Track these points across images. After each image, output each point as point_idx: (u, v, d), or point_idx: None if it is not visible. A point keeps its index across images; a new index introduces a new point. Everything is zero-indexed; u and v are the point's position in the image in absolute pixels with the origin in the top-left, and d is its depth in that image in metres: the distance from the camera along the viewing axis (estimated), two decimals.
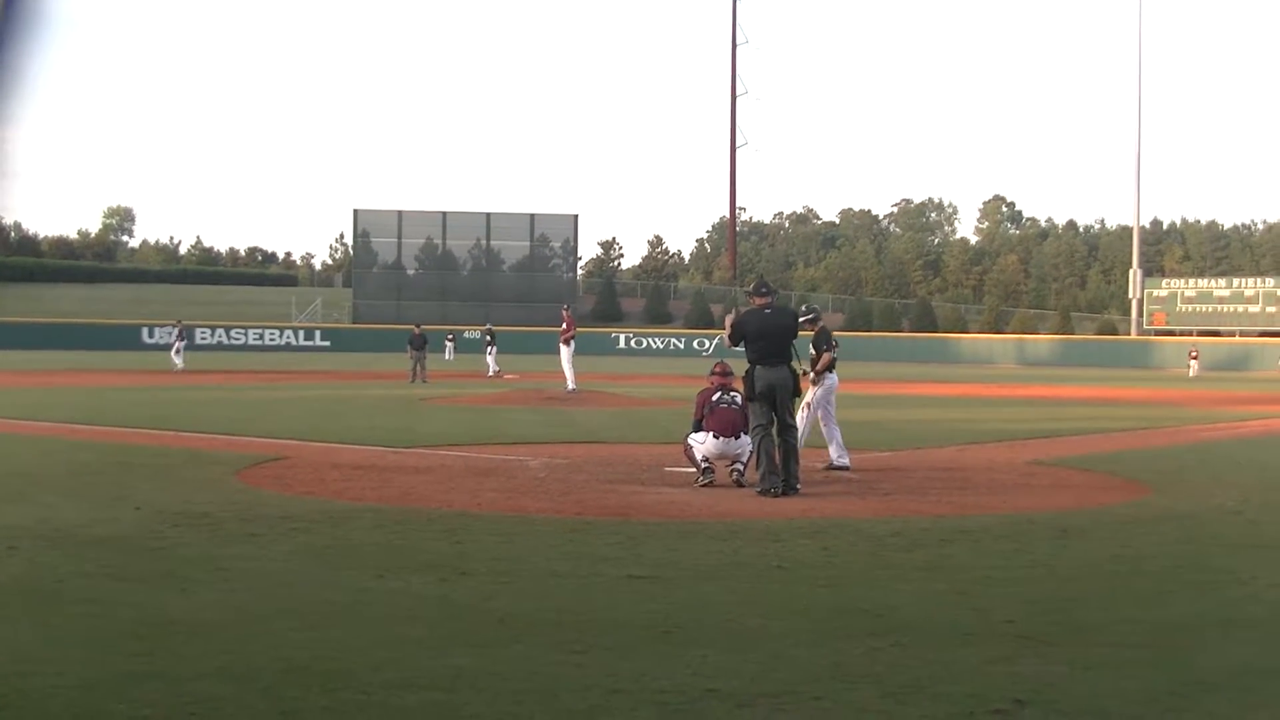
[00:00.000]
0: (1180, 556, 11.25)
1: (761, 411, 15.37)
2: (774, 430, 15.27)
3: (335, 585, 9.44)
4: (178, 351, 57.60)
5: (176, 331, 59.56)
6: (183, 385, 42.31)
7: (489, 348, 56.04)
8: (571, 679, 6.89)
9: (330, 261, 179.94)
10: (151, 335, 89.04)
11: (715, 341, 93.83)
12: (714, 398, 16.33)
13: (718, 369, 16.90)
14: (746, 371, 15.50)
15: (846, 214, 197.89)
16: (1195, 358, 75.42)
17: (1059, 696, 6.67)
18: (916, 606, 8.98)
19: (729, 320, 16.25)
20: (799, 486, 15.30)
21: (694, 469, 16.08)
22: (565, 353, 36.86)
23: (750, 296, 16.20)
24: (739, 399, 16.18)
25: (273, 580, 9.56)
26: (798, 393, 15.80)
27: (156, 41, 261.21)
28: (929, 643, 7.82)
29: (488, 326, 59.03)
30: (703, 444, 16.03)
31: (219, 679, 6.81)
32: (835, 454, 17.75)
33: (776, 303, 16.24)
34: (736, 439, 16.00)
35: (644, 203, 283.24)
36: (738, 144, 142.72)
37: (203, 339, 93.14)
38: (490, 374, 53.03)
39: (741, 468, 15.94)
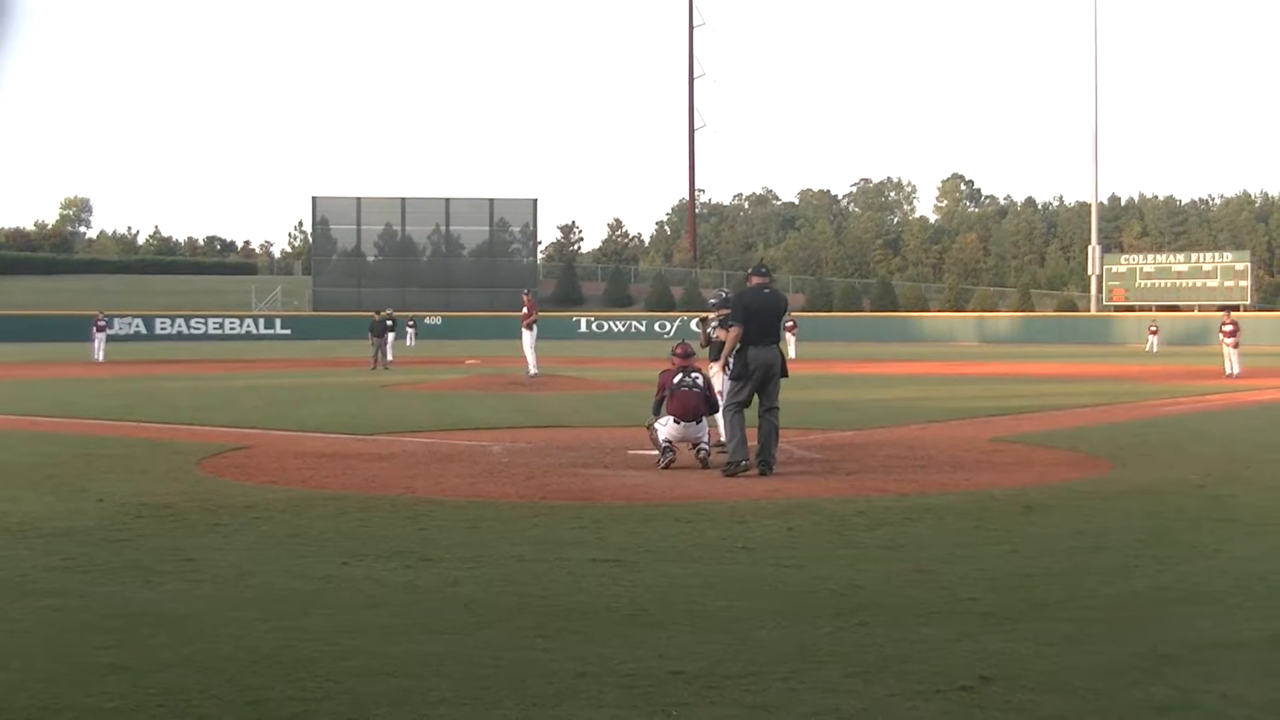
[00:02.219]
0: (1143, 531, 11.30)
1: (742, 390, 15.44)
2: (745, 410, 15.33)
3: (300, 574, 9.41)
4: (94, 339, 57.12)
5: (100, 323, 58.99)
6: (129, 376, 42.09)
7: (387, 334, 53.72)
8: (538, 663, 6.89)
9: (289, 249, 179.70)
10: (111, 326, 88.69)
11: (677, 324, 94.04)
12: (675, 380, 16.31)
13: (679, 350, 16.84)
14: (738, 351, 15.50)
15: (806, 194, 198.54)
16: (1155, 333, 75.76)
17: (1023, 672, 6.71)
18: (881, 585, 9.01)
19: (710, 327, 16.54)
20: (774, 468, 15.34)
21: (656, 451, 16.07)
22: (527, 337, 36.75)
23: (749, 276, 16.23)
24: (700, 380, 16.22)
25: (237, 570, 9.52)
26: (785, 373, 15.79)
27: (112, 31, 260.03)
28: (894, 621, 7.85)
29: (388, 312, 54.60)
30: (664, 427, 16.04)
31: (185, 670, 6.79)
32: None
33: (771, 285, 16.25)
34: (696, 423, 16.02)
35: (603, 186, 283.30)
36: (696, 126, 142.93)
37: (163, 329, 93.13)
38: (389, 360, 49.21)
39: (706, 448, 15.95)
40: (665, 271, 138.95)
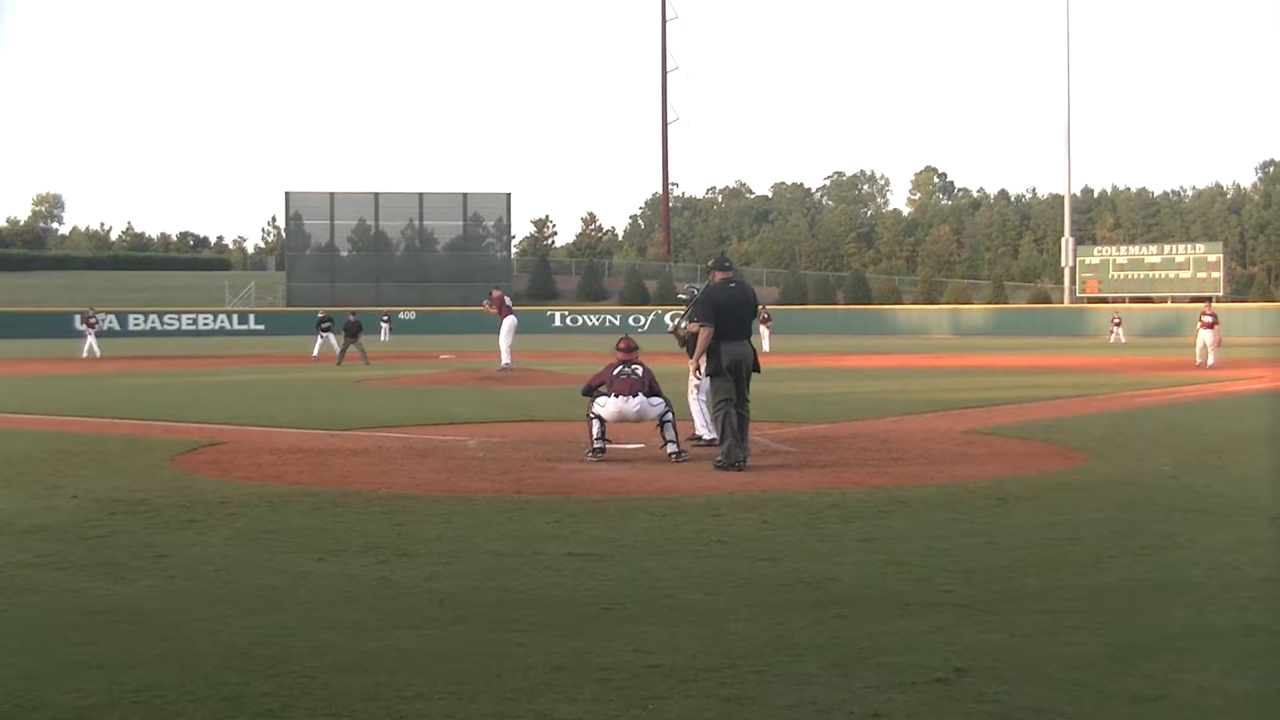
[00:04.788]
0: (1117, 522, 11.33)
1: (726, 386, 15.45)
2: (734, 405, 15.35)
3: (274, 569, 9.41)
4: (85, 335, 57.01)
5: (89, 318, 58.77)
6: (103, 372, 41.97)
7: (325, 333, 53.47)
8: (514, 658, 6.89)
9: (263, 245, 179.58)
10: (100, 324, 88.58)
11: (651, 317, 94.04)
12: (615, 371, 16.40)
13: (622, 344, 16.88)
14: (710, 348, 15.53)
15: (779, 188, 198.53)
16: (1119, 324, 75.73)
17: (999, 664, 6.72)
18: (856, 578, 9.02)
19: (680, 322, 16.71)
20: (748, 461, 15.38)
21: (597, 442, 16.11)
22: (504, 329, 36.34)
23: (711, 271, 16.28)
24: (639, 370, 16.31)
25: (212, 566, 9.51)
26: (758, 368, 15.82)
27: (83, 25, 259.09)
28: (870, 614, 7.86)
29: (321, 315, 54.38)
30: (604, 406, 16.16)
31: (160, 666, 6.78)
32: (705, 428, 17.60)
33: (738, 278, 16.31)
34: (634, 396, 16.09)
35: (577, 180, 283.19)
36: (670, 119, 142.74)
37: (136, 325, 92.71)
38: (339, 361, 47.96)
39: (676, 447, 15.95)
40: (639, 265, 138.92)
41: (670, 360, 21.31)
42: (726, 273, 16.06)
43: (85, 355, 54.59)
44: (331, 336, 52.69)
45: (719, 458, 15.25)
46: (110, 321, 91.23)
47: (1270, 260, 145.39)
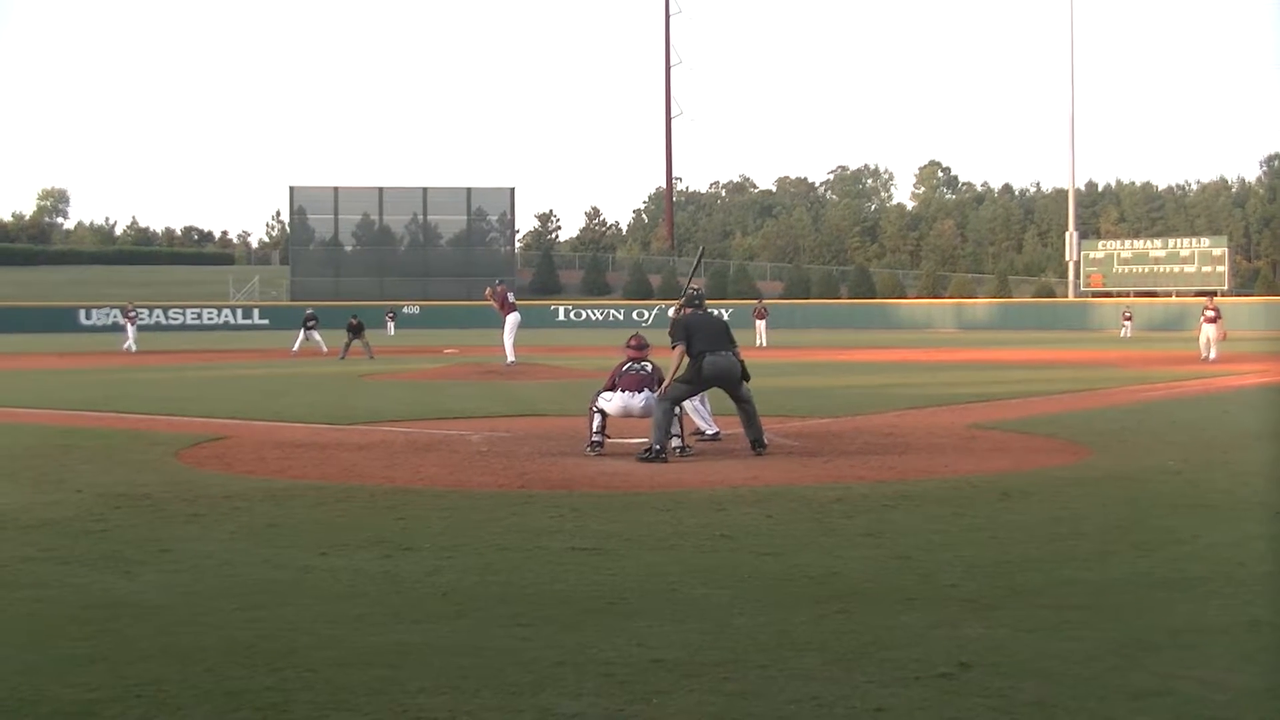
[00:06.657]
0: (1121, 517, 11.32)
1: (684, 394, 16.14)
2: (679, 409, 16.16)
3: (278, 564, 9.41)
4: (126, 330, 57.10)
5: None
6: (129, 366, 41.99)
7: (310, 331, 54.03)
8: (516, 652, 6.89)
9: (267, 239, 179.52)
10: (89, 317, 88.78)
11: (655, 312, 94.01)
12: (624, 367, 16.58)
13: (633, 342, 17.06)
14: (694, 361, 15.94)
15: (783, 182, 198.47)
16: (1129, 319, 75.85)
17: (1003, 659, 6.72)
18: (860, 572, 9.02)
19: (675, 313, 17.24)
20: (766, 444, 16.11)
21: (596, 436, 16.23)
22: (508, 325, 36.36)
23: (683, 308, 17.00)
24: (649, 367, 16.50)
25: (216, 560, 9.51)
26: (746, 376, 16.27)
27: (88, 19, 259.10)
28: (873, 608, 7.86)
29: (310, 311, 56.82)
30: (609, 402, 16.39)
31: (163, 660, 6.79)
32: (706, 424, 17.70)
33: (707, 310, 17.17)
34: (639, 392, 16.43)
35: (581, 174, 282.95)
36: (673, 114, 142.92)
37: (140, 320, 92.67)
38: (325, 351, 50.71)
39: (679, 441, 15.98)
40: (643, 260, 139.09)
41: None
42: (696, 309, 16.81)
43: (133, 349, 54.46)
44: (315, 334, 52.92)
45: (644, 448, 15.65)
46: (114, 316, 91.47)
47: (1275, 254, 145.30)
